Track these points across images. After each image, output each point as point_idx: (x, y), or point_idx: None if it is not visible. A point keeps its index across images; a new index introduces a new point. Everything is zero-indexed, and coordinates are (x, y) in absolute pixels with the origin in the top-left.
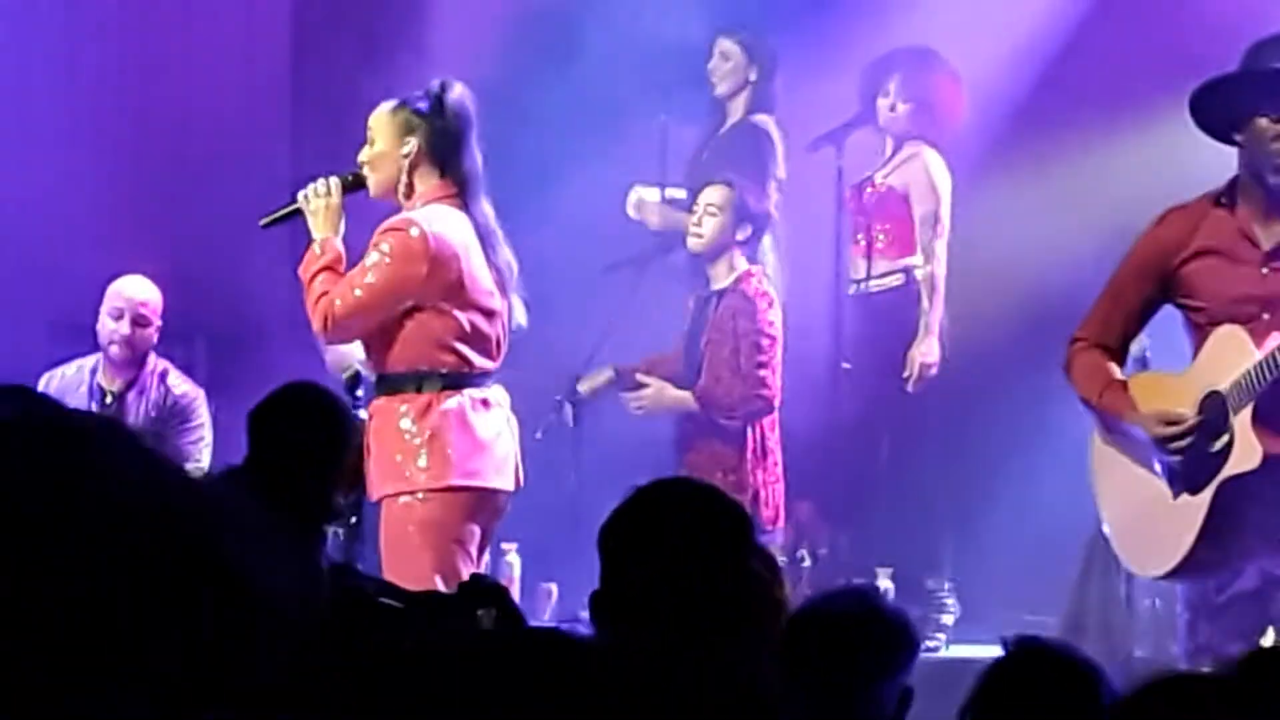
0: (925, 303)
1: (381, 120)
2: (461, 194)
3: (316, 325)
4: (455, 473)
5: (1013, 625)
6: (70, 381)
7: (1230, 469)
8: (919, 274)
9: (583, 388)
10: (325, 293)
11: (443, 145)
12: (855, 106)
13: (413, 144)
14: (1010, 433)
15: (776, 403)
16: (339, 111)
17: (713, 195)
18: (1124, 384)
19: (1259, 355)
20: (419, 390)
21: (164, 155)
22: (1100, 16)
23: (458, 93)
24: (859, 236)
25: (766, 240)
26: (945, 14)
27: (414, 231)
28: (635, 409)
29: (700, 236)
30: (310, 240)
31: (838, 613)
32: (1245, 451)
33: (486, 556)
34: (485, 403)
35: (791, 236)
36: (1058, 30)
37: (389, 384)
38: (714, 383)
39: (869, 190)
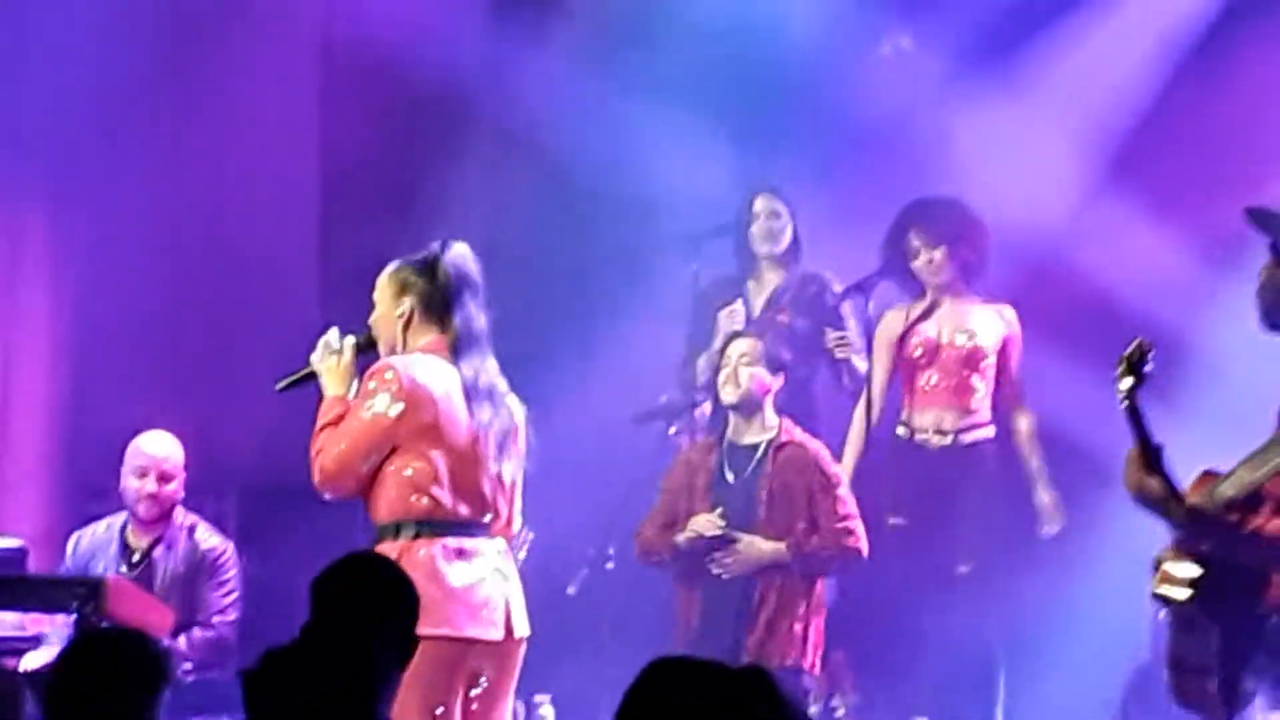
0: (1033, 458)
1: (381, 282)
2: (453, 349)
3: (315, 482)
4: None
5: None
6: (100, 540)
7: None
8: (989, 431)
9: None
10: (317, 448)
11: (437, 304)
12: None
13: (406, 304)
14: (1061, 574)
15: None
16: (369, 270)
17: (743, 346)
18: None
19: None
20: (396, 537)
21: (193, 310)
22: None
23: (455, 252)
24: (927, 388)
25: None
26: (973, 161)
27: (388, 374)
28: (724, 567)
29: (739, 387)
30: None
31: None
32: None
33: (513, 706)
34: (461, 551)
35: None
36: (1087, 179)
37: (377, 533)
38: (800, 535)
39: (939, 345)
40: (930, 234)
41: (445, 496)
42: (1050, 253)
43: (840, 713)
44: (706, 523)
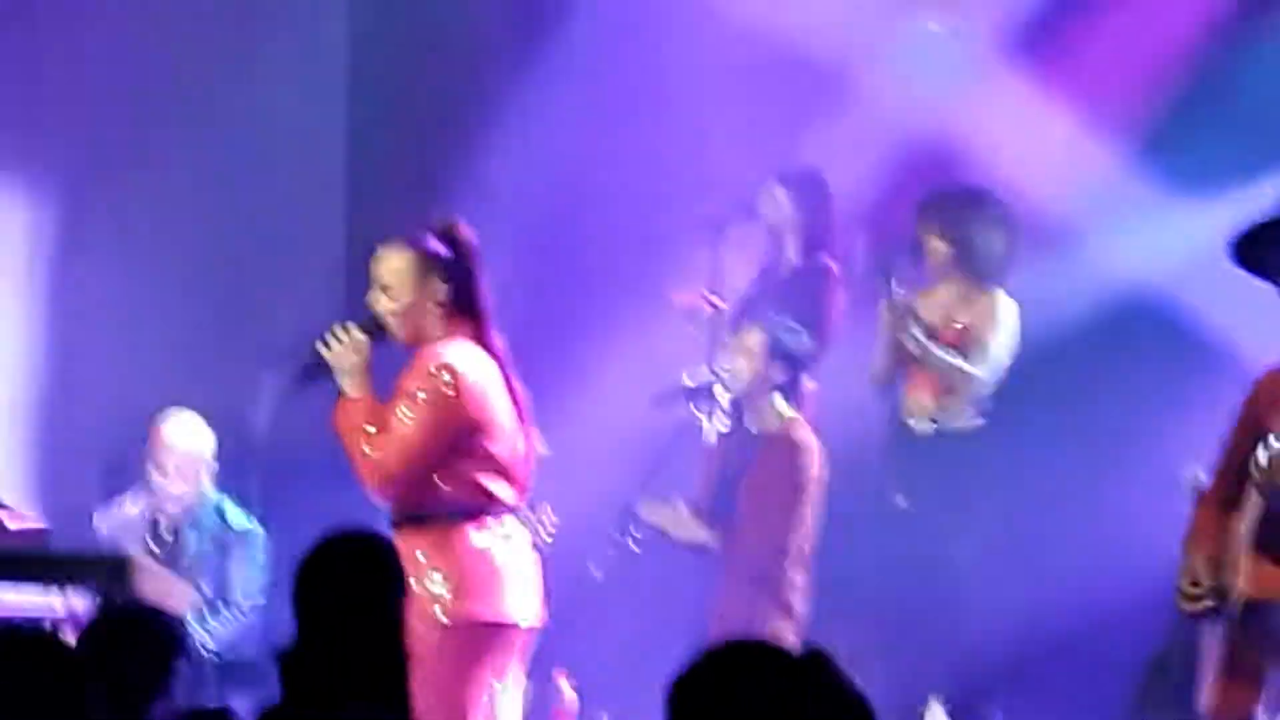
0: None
1: (400, 270)
2: (481, 331)
3: (371, 486)
4: (476, 606)
5: None
6: (127, 519)
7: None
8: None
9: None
10: (372, 453)
11: (466, 286)
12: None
13: (442, 290)
14: (1066, 556)
15: (789, 567)
16: None
17: (746, 338)
18: (1209, 529)
19: None
20: (445, 523)
21: (217, 290)
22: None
23: (465, 228)
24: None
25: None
26: (998, 147)
27: (446, 377)
28: (649, 520)
29: (738, 379)
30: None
31: None
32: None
33: (523, 687)
34: (506, 537)
35: (844, 369)
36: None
37: (413, 522)
38: (745, 533)
39: (947, 331)
40: (945, 225)
41: (494, 486)
42: (1077, 240)
43: None
44: (648, 509)
